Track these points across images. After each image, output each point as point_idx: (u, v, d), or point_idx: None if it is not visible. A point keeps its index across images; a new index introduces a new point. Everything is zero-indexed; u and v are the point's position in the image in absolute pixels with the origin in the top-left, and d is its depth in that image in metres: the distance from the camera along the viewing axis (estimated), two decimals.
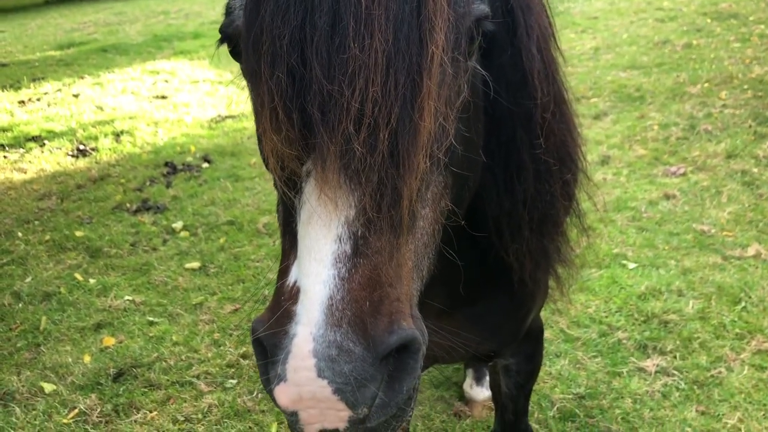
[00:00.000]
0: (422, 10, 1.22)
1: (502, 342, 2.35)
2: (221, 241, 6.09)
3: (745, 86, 8.41)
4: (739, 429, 3.50)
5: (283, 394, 1.17)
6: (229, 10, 1.46)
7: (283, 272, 1.29)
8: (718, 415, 3.62)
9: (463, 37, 1.35)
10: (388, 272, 1.22)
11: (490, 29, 1.49)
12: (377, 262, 1.21)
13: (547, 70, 1.76)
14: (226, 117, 9.73)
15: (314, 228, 1.22)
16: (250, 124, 9.28)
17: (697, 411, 3.66)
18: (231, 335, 4.76)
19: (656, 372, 3.95)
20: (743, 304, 4.41)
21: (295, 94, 1.20)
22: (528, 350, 2.59)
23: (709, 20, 12.07)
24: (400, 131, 1.20)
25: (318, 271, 1.18)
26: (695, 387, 3.82)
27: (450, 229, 1.57)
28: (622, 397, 3.82)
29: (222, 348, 4.62)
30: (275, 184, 1.37)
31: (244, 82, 1.45)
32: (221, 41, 1.50)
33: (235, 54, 1.46)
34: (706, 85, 8.67)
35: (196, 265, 5.73)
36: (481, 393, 3.89)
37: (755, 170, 6.27)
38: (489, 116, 1.72)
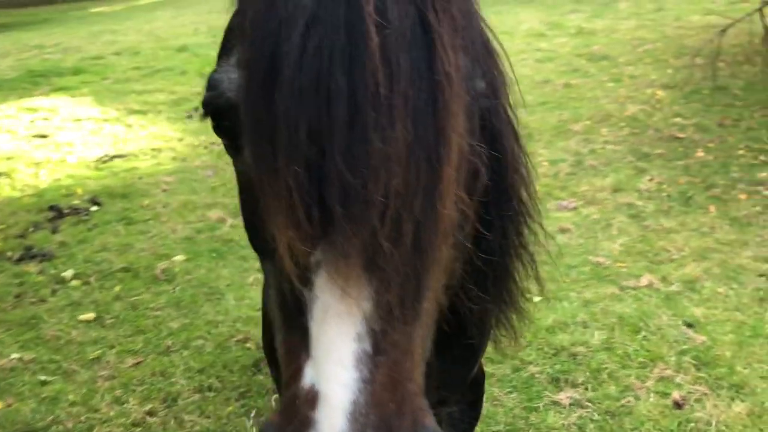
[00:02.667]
0: (439, 97, 1.19)
1: (451, 391, 2.35)
2: (116, 289, 5.76)
3: (622, 124, 8.97)
4: None
5: None
6: (213, 84, 1.38)
7: (296, 374, 1.19)
8: None
9: (475, 117, 1.34)
10: (406, 366, 1.18)
11: (485, 105, 1.47)
12: (396, 357, 1.16)
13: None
14: (114, 156, 9.28)
15: (332, 326, 1.15)
16: (141, 164, 8.92)
17: None
18: (134, 391, 4.47)
19: (570, 405, 4.07)
20: (643, 333, 4.64)
21: (314, 188, 1.14)
22: (471, 397, 2.61)
23: (584, 61, 12.84)
24: (423, 222, 1.18)
25: (338, 373, 1.12)
26: (608, 417, 3.96)
27: None
28: None
29: (125, 405, 4.33)
30: (278, 275, 1.28)
31: (227, 158, 1.37)
32: (205, 115, 1.41)
33: (221, 130, 1.39)
34: (587, 122, 9.17)
35: (90, 316, 5.37)
36: None
37: (639, 203, 6.67)
38: None
